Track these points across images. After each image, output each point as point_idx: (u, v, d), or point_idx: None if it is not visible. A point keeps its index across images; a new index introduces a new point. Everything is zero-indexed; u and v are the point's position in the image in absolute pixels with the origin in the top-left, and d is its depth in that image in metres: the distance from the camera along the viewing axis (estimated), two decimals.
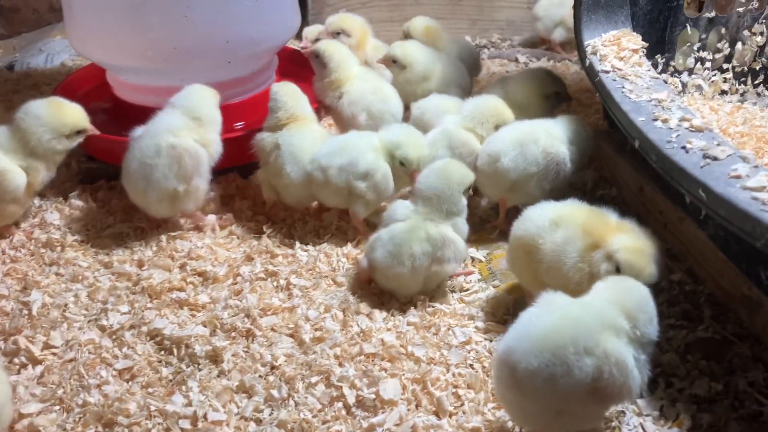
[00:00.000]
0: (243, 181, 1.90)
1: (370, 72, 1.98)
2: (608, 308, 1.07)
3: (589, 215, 1.33)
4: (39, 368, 1.34)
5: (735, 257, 1.35)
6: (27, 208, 1.75)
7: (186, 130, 1.62)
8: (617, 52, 1.58)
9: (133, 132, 1.64)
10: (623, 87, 1.47)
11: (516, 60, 2.75)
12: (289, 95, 1.67)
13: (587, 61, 1.61)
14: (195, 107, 1.65)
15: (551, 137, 1.64)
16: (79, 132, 1.68)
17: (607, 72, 1.53)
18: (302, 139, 1.64)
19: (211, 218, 1.74)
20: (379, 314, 1.45)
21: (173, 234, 1.69)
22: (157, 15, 1.72)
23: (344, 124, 1.89)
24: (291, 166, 1.62)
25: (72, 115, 1.67)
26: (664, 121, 1.33)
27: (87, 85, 2.13)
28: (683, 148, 1.23)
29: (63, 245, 1.66)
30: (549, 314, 1.08)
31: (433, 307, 1.47)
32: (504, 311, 1.46)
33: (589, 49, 1.63)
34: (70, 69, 2.65)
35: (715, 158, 1.18)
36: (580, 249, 1.29)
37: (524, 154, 1.62)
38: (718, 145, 1.22)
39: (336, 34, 2.14)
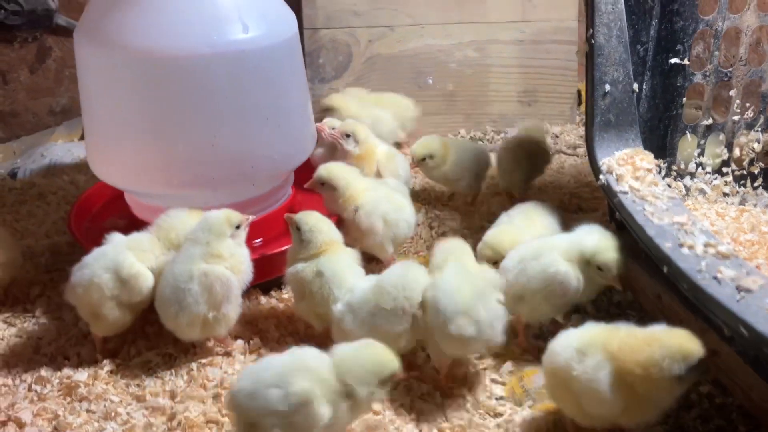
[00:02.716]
0: (266, 298, 1.92)
1: (379, 182, 2.05)
2: None
3: (611, 335, 1.35)
4: None
5: (767, 373, 1.39)
6: None
7: (216, 258, 1.64)
8: (632, 171, 1.66)
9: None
10: (644, 209, 1.53)
11: None
12: (321, 223, 1.70)
13: (603, 180, 1.69)
14: (222, 233, 1.67)
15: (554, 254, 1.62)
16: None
17: (626, 193, 1.60)
18: (343, 262, 1.67)
19: (239, 342, 1.74)
20: None
21: (203, 361, 1.69)
22: (183, 143, 1.75)
23: (362, 235, 1.93)
24: (338, 290, 1.63)
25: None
26: (690, 247, 1.39)
27: (103, 201, 2.14)
28: (715, 278, 1.29)
29: (93, 378, 1.65)
30: None
31: None
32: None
33: (604, 168, 1.70)
34: (74, 178, 2.67)
35: (748, 290, 1.24)
36: (612, 374, 1.30)
37: (525, 270, 1.62)
38: (748, 274, 1.28)
39: (346, 135, 2.21)
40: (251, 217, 1.72)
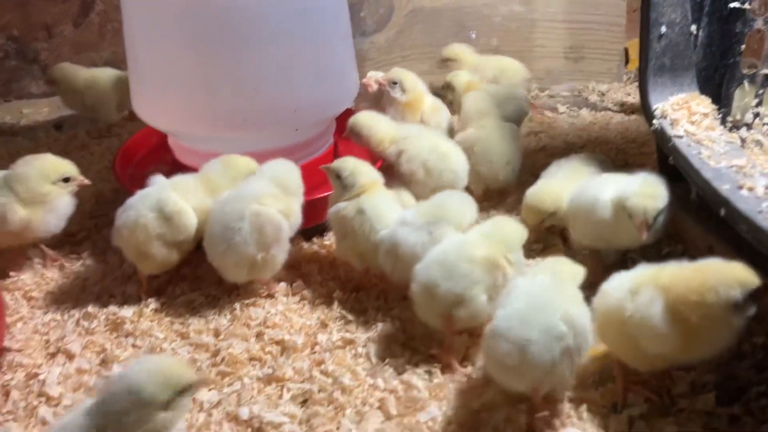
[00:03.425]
0: (308, 244, 1.92)
1: (427, 129, 2.01)
2: None
3: (661, 271, 1.31)
4: None
5: None
6: None
7: (271, 199, 1.65)
8: (688, 116, 1.60)
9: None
10: (700, 153, 1.48)
11: (556, 110, 2.78)
12: (360, 165, 1.69)
13: (657, 125, 1.63)
14: (283, 177, 1.69)
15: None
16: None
17: (681, 137, 1.55)
18: (383, 200, 1.67)
19: (282, 285, 1.75)
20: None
21: (246, 302, 1.70)
22: (229, 88, 1.75)
23: (404, 180, 1.92)
24: (379, 226, 1.62)
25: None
26: (750, 189, 1.34)
27: (146, 149, 2.15)
28: None
29: (139, 315, 1.67)
30: None
31: None
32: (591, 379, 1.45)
33: (658, 113, 1.64)
34: (116, 130, 2.69)
35: None
36: (666, 307, 1.26)
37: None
38: None
39: (393, 83, 2.18)
40: None
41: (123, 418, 1.11)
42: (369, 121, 1.94)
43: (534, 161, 2.32)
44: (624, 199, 1.53)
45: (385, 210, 1.65)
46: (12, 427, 1.38)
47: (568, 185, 1.77)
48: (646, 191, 1.52)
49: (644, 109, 1.71)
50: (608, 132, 2.55)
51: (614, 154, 2.36)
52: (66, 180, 1.82)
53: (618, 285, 1.34)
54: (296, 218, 1.71)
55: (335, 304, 1.68)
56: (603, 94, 2.88)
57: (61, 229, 1.85)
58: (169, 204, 1.66)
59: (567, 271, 1.39)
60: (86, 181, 1.86)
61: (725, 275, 1.20)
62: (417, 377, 1.45)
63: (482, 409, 1.37)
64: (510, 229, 1.53)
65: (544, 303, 1.28)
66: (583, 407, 1.37)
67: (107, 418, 1.12)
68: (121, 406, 1.11)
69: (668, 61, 1.69)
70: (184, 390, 1.16)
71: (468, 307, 1.43)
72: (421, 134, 1.93)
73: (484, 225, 1.56)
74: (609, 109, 2.75)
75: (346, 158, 1.72)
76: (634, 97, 2.81)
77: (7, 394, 1.47)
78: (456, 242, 1.51)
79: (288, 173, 1.72)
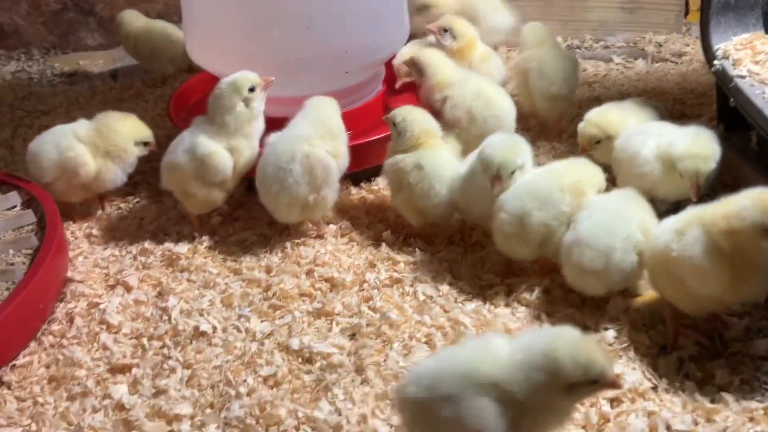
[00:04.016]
0: (356, 189, 1.93)
1: (474, 75, 1.98)
2: None
3: (706, 209, 1.28)
4: (187, 372, 1.38)
5: None
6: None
7: (320, 140, 1.66)
8: (752, 55, 1.54)
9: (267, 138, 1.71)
10: (764, 93, 1.43)
11: (611, 60, 2.70)
12: (414, 112, 1.69)
13: (718, 66, 1.58)
14: (328, 119, 1.69)
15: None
16: (252, 89, 1.70)
17: (743, 77, 1.49)
18: (443, 156, 1.66)
19: (332, 227, 1.77)
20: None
21: (297, 241, 1.73)
22: (280, 28, 1.76)
23: (450, 127, 1.90)
24: (439, 185, 1.62)
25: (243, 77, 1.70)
26: None
27: (199, 94, 2.19)
28: None
29: (193, 251, 1.72)
30: None
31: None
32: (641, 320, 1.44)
33: (719, 53, 1.59)
34: (168, 80, 2.74)
35: None
36: (709, 245, 1.23)
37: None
38: None
39: (444, 30, 2.14)
40: None
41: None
42: (436, 59, 1.91)
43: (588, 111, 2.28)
44: (672, 156, 1.52)
45: (444, 168, 1.64)
46: (76, 350, 1.45)
47: (628, 118, 1.74)
48: (698, 152, 1.50)
49: (705, 50, 1.65)
50: (665, 83, 2.47)
51: (671, 105, 2.29)
52: (145, 144, 1.89)
53: (665, 227, 1.32)
54: (343, 159, 1.72)
55: (383, 246, 1.70)
56: (660, 45, 2.78)
57: (124, 182, 1.92)
58: (199, 148, 1.68)
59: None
60: (155, 148, 1.92)
61: (753, 200, 1.17)
62: (464, 315, 1.46)
63: None
64: (590, 168, 1.55)
65: (624, 214, 1.40)
66: (632, 348, 1.36)
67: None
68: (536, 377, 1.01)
69: (732, 0, 1.62)
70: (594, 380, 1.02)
71: (556, 234, 1.46)
72: (467, 80, 1.90)
73: (560, 162, 1.57)
74: (667, 60, 2.66)
75: (402, 107, 1.71)
76: (693, 48, 2.71)
77: (71, 320, 1.54)
78: (544, 172, 1.53)
79: (332, 114, 1.72)
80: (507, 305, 1.50)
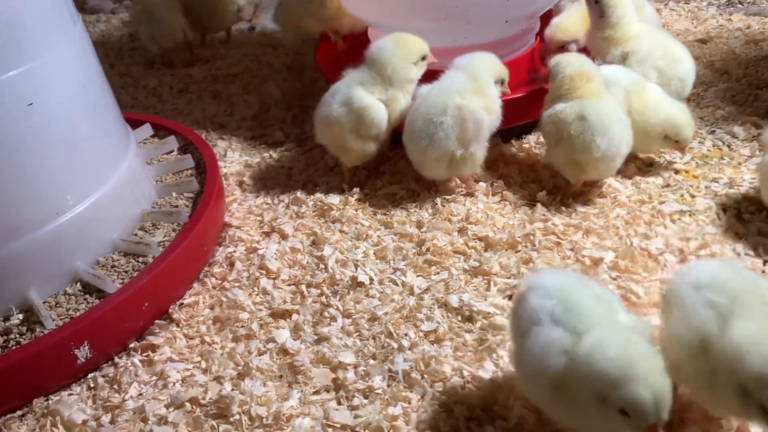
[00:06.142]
0: (506, 146, 1.87)
1: (658, 31, 1.84)
2: None
3: None
4: (347, 321, 1.39)
5: None
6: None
7: (473, 94, 1.61)
8: None
9: (418, 90, 1.67)
10: None
11: None
12: (571, 56, 1.60)
13: None
14: (484, 72, 1.63)
15: None
16: (423, 58, 1.69)
17: None
18: (607, 106, 1.55)
19: (482, 185, 1.72)
20: None
21: (447, 197, 1.70)
22: None
23: None
24: (602, 138, 1.52)
25: (416, 43, 1.69)
26: None
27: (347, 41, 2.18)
28: None
29: (344, 203, 1.72)
30: None
31: None
32: None
33: None
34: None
35: None
36: None
37: None
38: None
39: None
40: None
41: None
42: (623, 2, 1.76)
43: (758, 72, 2.09)
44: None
45: (609, 118, 1.53)
46: (239, 293, 1.49)
47: None
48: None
49: None
50: None
51: None
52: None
53: None
54: (496, 116, 1.65)
55: (538, 207, 1.63)
56: None
57: None
58: (356, 101, 1.66)
59: None
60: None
61: None
62: (634, 284, 1.38)
63: None
64: None
65: None
66: None
67: None
68: None
69: None
70: None
71: None
72: (651, 34, 1.75)
73: None
74: None
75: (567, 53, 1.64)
76: None
77: (231, 264, 1.58)
78: None
79: (490, 69, 1.65)
80: None
